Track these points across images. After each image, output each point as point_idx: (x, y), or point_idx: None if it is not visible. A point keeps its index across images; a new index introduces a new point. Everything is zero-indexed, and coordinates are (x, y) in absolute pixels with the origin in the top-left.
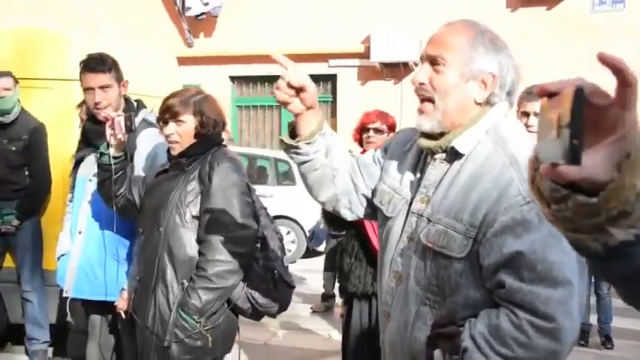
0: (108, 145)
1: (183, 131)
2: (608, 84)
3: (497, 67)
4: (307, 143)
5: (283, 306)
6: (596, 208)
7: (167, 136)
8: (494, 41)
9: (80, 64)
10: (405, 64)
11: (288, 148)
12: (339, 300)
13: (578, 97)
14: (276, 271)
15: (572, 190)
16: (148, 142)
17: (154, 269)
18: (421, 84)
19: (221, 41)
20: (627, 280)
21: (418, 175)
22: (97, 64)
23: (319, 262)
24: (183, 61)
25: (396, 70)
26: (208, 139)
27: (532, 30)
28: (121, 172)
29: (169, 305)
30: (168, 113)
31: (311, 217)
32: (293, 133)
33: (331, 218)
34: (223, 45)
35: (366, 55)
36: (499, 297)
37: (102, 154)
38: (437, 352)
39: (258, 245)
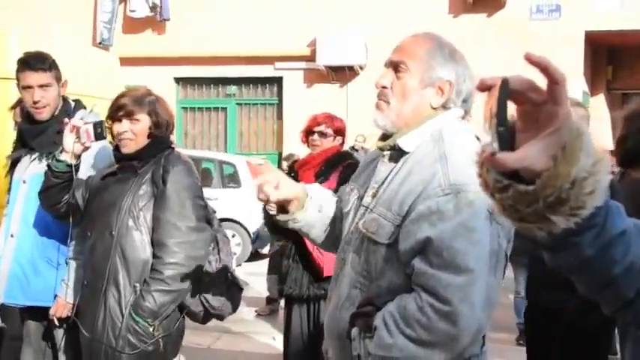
0: (62, 152)
1: (139, 130)
2: (546, 87)
3: (454, 75)
4: (300, 212)
5: (234, 309)
6: (534, 195)
7: (119, 134)
8: (453, 53)
9: (18, 61)
10: (351, 68)
11: (282, 223)
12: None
13: (503, 88)
14: (229, 274)
15: (514, 180)
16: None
17: (105, 273)
18: (383, 87)
19: (166, 42)
20: (578, 270)
21: (373, 171)
22: (37, 62)
23: (264, 265)
24: (125, 61)
25: (341, 74)
26: (160, 142)
27: (473, 35)
28: (72, 180)
29: (121, 309)
30: (121, 111)
31: (256, 219)
32: (281, 208)
33: (271, 224)
34: (168, 46)
35: (312, 58)
36: (412, 281)
37: (57, 160)
38: (354, 330)
39: (212, 248)
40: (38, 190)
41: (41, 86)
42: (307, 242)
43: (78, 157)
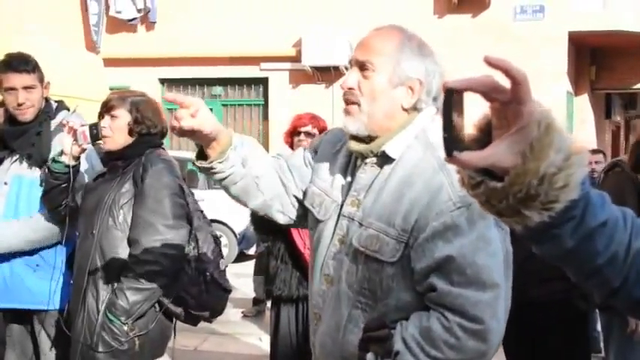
0: (61, 153)
1: (116, 126)
2: (534, 86)
3: (423, 73)
4: (220, 162)
5: (217, 310)
6: (504, 191)
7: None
8: (421, 47)
9: (0, 63)
10: (336, 68)
11: (201, 170)
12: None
13: (447, 96)
14: (208, 274)
15: (487, 177)
16: None
17: (86, 272)
18: (350, 88)
19: (151, 43)
20: (562, 260)
21: (349, 178)
22: (20, 63)
23: (250, 266)
24: (110, 62)
25: (327, 74)
26: (145, 141)
27: (458, 36)
28: (70, 182)
29: (98, 308)
30: (104, 107)
31: (242, 220)
32: (202, 153)
33: (258, 223)
34: (153, 47)
35: (297, 58)
36: (430, 300)
37: (55, 161)
38: (369, 356)
39: (191, 247)
40: (40, 194)
41: (25, 88)
42: (297, 242)
43: (76, 158)
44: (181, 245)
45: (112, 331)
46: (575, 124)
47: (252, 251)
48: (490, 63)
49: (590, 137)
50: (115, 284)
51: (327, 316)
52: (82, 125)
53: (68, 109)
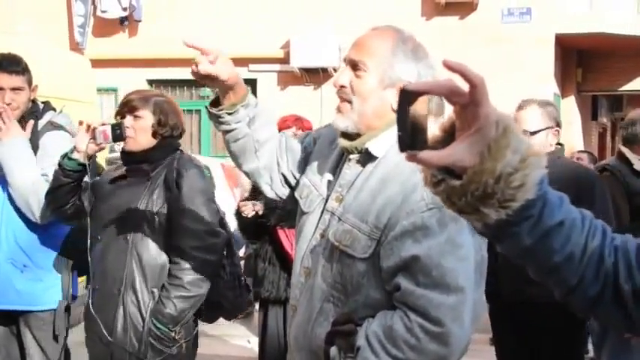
0: (72, 151)
1: (140, 127)
2: (521, 88)
3: (415, 75)
4: (229, 113)
5: (243, 310)
6: (462, 189)
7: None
8: (416, 50)
9: None
10: (325, 70)
11: (211, 116)
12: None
13: (401, 97)
14: (242, 278)
15: (448, 176)
16: (53, 144)
17: (122, 279)
18: (342, 86)
19: (138, 44)
20: (522, 257)
21: (337, 174)
22: (11, 64)
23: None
24: (97, 63)
25: (315, 76)
26: (167, 144)
27: (445, 38)
28: (78, 181)
29: (142, 314)
30: (126, 107)
31: (230, 222)
32: (217, 101)
33: (245, 228)
34: (140, 48)
35: (285, 60)
36: (395, 299)
37: (68, 158)
38: (333, 349)
39: (224, 252)
40: (45, 191)
41: (13, 89)
42: (285, 244)
43: (90, 157)
44: (220, 250)
45: (160, 338)
46: (562, 126)
47: (241, 253)
48: (449, 67)
49: (576, 139)
50: (156, 291)
51: (301, 309)
52: (103, 124)
53: (54, 110)
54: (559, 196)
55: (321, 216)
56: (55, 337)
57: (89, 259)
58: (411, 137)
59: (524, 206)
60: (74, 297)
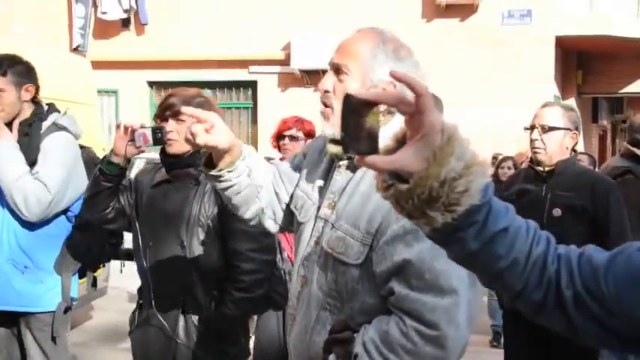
0: (111, 154)
1: (184, 130)
2: (521, 90)
3: None
4: (229, 171)
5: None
6: (409, 192)
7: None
8: (397, 50)
9: None
10: (325, 72)
11: (209, 178)
12: None
13: (345, 102)
14: (289, 271)
15: (397, 181)
16: (53, 147)
17: (181, 284)
18: (326, 91)
19: (139, 46)
20: (468, 263)
21: (328, 180)
22: None
23: None
24: (98, 65)
25: (316, 77)
26: None
27: (445, 40)
28: (118, 185)
29: (204, 320)
30: (168, 111)
31: None
32: (209, 161)
33: None
34: (141, 50)
35: (286, 61)
36: (390, 304)
37: (108, 162)
38: (331, 357)
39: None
40: (84, 196)
41: None
42: (285, 247)
43: (128, 160)
44: (275, 249)
45: (224, 339)
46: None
47: None
48: (395, 77)
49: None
50: (216, 294)
51: (299, 317)
52: (142, 127)
53: (59, 112)
54: (505, 205)
55: (315, 224)
56: (54, 339)
57: (143, 263)
58: (363, 143)
59: (468, 211)
60: (73, 299)
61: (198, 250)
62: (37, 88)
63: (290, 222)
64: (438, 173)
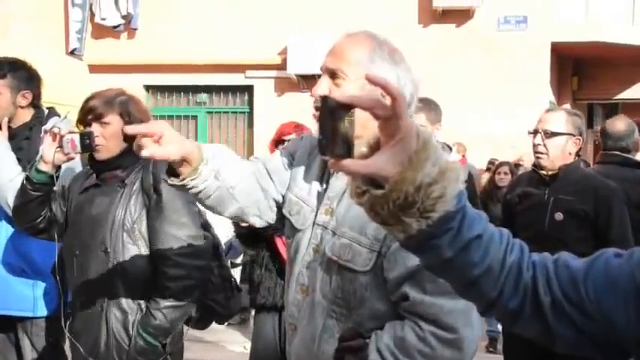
0: (39, 162)
1: (109, 134)
2: (517, 96)
3: (395, 79)
4: (193, 179)
5: (237, 312)
6: (384, 197)
7: None
8: (393, 54)
9: None
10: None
11: (175, 187)
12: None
13: (323, 104)
14: (233, 279)
15: (371, 187)
16: None
17: (104, 293)
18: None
19: (135, 50)
20: (443, 270)
21: (324, 185)
22: None
23: (235, 274)
24: (94, 68)
25: (312, 82)
26: None
27: (442, 46)
28: (48, 194)
29: (127, 330)
30: (90, 114)
31: (227, 229)
32: (171, 169)
33: (243, 236)
34: (138, 53)
35: (282, 66)
36: (404, 309)
37: (36, 170)
38: None
39: (212, 255)
40: (12, 205)
41: None
42: (281, 250)
43: (58, 167)
44: (208, 254)
45: (147, 352)
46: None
47: (239, 260)
48: (372, 81)
49: None
50: (143, 304)
51: (302, 327)
52: (70, 133)
53: (59, 116)
54: (477, 212)
55: (312, 230)
56: (51, 344)
57: (71, 275)
58: (339, 146)
59: (443, 218)
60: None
61: (122, 256)
62: (37, 95)
63: (280, 222)
64: (414, 178)
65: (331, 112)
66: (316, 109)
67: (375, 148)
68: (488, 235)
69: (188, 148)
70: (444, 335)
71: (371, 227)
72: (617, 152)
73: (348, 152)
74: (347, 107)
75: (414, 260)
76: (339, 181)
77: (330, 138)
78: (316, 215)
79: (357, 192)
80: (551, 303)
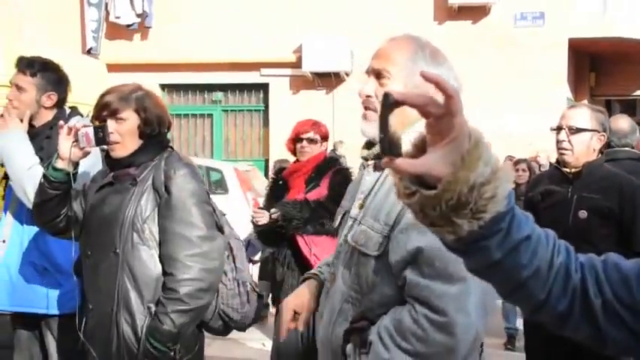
0: (57, 159)
1: (125, 130)
2: (533, 93)
3: None
4: None
5: (256, 318)
6: (437, 198)
7: None
8: (435, 55)
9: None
10: (337, 74)
11: None
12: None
13: (384, 101)
14: (248, 283)
15: (421, 187)
16: None
17: (114, 296)
18: (368, 96)
19: (151, 49)
20: (490, 273)
21: (359, 183)
22: (24, 64)
23: (255, 271)
24: (110, 67)
25: (327, 80)
26: (155, 142)
27: (458, 42)
28: (67, 192)
29: (136, 334)
30: (105, 110)
31: (245, 226)
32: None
33: (263, 235)
34: (154, 52)
35: (297, 64)
36: (405, 293)
37: (53, 168)
38: (349, 346)
39: (226, 257)
40: (32, 204)
41: (18, 87)
42: (303, 249)
43: (76, 164)
44: (220, 256)
45: (158, 359)
46: None
47: (257, 257)
48: (427, 78)
49: None
50: (152, 307)
51: (326, 312)
52: (85, 126)
53: (82, 115)
54: (525, 213)
55: (346, 224)
56: (74, 341)
57: (83, 277)
58: (394, 145)
59: (494, 218)
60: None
61: (131, 257)
62: (62, 99)
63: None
64: (467, 178)
65: (391, 108)
66: (366, 108)
67: (420, 147)
68: (536, 236)
69: (312, 300)
70: (435, 318)
71: (383, 213)
72: (627, 149)
73: (400, 151)
74: (399, 105)
75: (412, 243)
76: (370, 176)
77: (389, 135)
78: (350, 210)
79: (405, 193)
80: (602, 305)
